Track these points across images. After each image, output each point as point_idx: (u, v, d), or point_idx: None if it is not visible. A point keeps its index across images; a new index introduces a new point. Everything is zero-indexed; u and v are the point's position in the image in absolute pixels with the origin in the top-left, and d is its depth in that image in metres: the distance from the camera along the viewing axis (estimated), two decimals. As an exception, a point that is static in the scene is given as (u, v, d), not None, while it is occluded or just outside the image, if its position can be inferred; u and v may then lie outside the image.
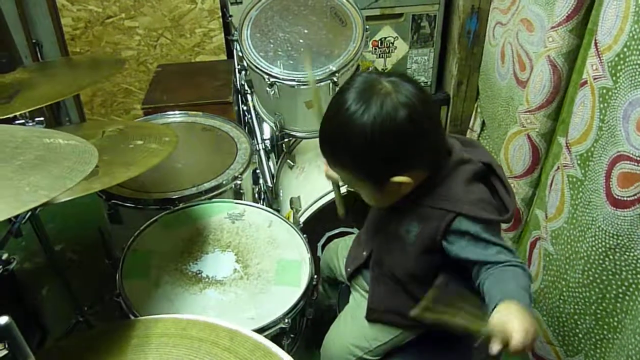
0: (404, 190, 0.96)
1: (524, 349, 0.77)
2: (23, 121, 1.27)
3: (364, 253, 1.16)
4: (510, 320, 0.78)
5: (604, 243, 1.23)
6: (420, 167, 0.95)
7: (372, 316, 1.15)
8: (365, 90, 0.91)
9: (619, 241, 1.19)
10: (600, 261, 1.26)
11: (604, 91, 1.20)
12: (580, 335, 1.39)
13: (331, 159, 0.99)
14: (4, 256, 1.06)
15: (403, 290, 1.08)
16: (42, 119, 1.27)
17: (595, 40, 1.23)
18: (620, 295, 1.23)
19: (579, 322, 1.38)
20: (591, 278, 1.30)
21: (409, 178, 0.93)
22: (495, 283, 0.89)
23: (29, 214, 1.31)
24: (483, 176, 1.00)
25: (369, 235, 1.17)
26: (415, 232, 1.00)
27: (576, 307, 1.38)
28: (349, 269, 1.23)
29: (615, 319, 1.26)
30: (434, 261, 1.01)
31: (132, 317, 1.11)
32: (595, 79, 1.24)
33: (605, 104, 1.20)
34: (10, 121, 1.26)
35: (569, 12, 1.38)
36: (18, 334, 0.47)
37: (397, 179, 0.92)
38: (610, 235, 1.21)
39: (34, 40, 2.51)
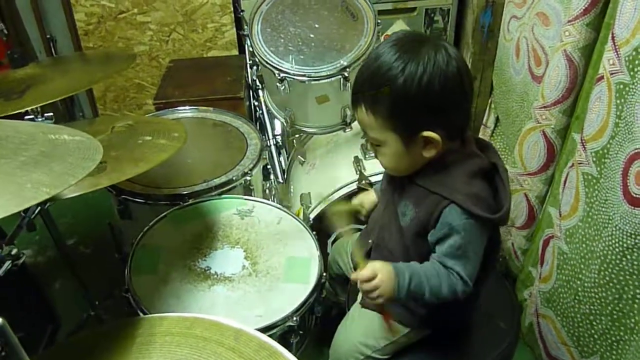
0: (427, 155, 0.96)
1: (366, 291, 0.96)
2: (32, 116, 1.28)
3: (370, 241, 1.16)
4: (373, 264, 0.97)
5: (621, 242, 1.20)
6: (450, 129, 0.95)
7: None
8: (415, 40, 0.94)
9: (636, 241, 1.16)
10: (617, 261, 1.23)
11: (621, 86, 1.17)
12: (595, 337, 1.36)
13: (367, 102, 0.96)
14: (14, 251, 1.06)
15: None
16: (51, 114, 1.27)
17: (613, 34, 1.20)
18: (638, 296, 1.21)
19: (594, 323, 1.35)
20: (607, 278, 1.27)
21: (438, 137, 0.93)
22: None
23: (39, 208, 1.31)
24: (488, 175, 1.00)
25: (372, 223, 1.18)
26: (410, 216, 1.01)
27: (592, 307, 1.35)
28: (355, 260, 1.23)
29: (633, 320, 1.23)
30: (425, 245, 1.01)
31: (140, 313, 1.11)
32: (612, 74, 1.21)
33: (622, 100, 1.17)
34: (21, 116, 1.27)
35: (586, 5, 1.34)
36: (12, 336, 0.46)
37: (428, 133, 0.93)
38: (628, 234, 1.18)
39: (47, 36, 2.52)
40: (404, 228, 1.04)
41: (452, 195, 0.94)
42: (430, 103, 0.92)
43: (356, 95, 0.98)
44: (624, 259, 1.21)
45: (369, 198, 1.29)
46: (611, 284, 1.27)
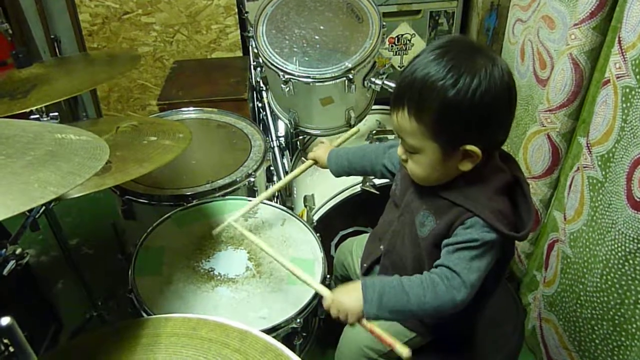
0: (462, 168, 0.94)
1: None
2: (38, 116, 1.28)
3: (381, 247, 1.15)
4: (338, 292, 0.99)
5: (623, 247, 1.20)
6: (490, 144, 0.93)
7: None
8: (468, 48, 0.90)
9: (639, 245, 1.16)
10: (620, 265, 1.23)
11: (627, 90, 1.17)
12: (597, 341, 1.35)
13: (412, 108, 0.90)
14: (18, 250, 1.06)
15: None
16: (56, 113, 1.27)
17: (619, 37, 1.20)
18: (640, 302, 1.20)
19: (596, 328, 1.35)
20: (610, 282, 1.27)
21: (479, 151, 0.90)
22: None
23: (43, 208, 1.31)
24: (510, 189, 0.98)
25: (385, 228, 1.15)
26: (430, 227, 0.99)
27: (593, 312, 1.35)
28: (364, 265, 1.22)
29: (634, 325, 1.23)
30: (439, 254, 0.99)
31: (144, 314, 1.11)
32: (618, 77, 1.20)
33: (629, 104, 1.17)
34: (26, 116, 1.27)
35: (592, 9, 1.34)
36: (20, 335, 0.46)
37: (470, 147, 0.90)
38: (631, 239, 1.17)
39: (52, 36, 2.53)
40: (420, 238, 1.01)
41: (477, 209, 0.92)
42: (479, 117, 0.89)
43: (400, 99, 0.92)
44: (626, 263, 1.21)
45: (322, 156, 1.31)
46: (613, 289, 1.26)
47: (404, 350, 0.90)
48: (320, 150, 1.33)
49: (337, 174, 1.30)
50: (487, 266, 0.95)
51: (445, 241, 0.97)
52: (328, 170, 1.31)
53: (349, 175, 1.31)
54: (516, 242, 1.13)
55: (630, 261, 1.19)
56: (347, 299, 0.96)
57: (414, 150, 0.95)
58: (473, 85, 0.85)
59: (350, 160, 1.26)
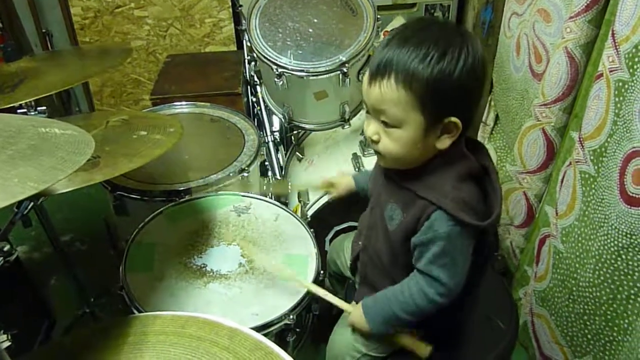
0: (439, 146, 0.93)
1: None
2: (25, 110, 1.26)
3: (359, 242, 1.15)
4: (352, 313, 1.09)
5: (616, 242, 1.19)
6: (467, 119, 0.93)
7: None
8: (450, 24, 0.94)
9: (632, 240, 1.15)
10: (612, 261, 1.22)
11: (620, 84, 1.16)
12: (589, 336, 1.35)
13: (402, 76, 0.88)
14: (6, 247, 1.04)
15: (387, 275, 1.07)
16: (44, 108, 1.25)
17: (613, 30, 1.19)
18: (632, 297, 1.19)
19: (588, 323, 1.34)
20: (602, 278, 1.26)
21: (460, 123, 0.91)
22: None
23: (32, 204, 1.29)
24: (477, 178, 0.97)
25: (363, 223, 1.15)
26: (398, 221, 0.99)
27: (586, 307, 1.34)
28: (350, 263, 1.22)
29: (626, 320, 1.22)
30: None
31: (135, 311, 1.10)
32: (611, 71, 1.19)
33: (621, 98, 1.16)
34: (14, 110, 1.25)
35: (588, 2, 1.33)
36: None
37: (454, 119, 0.90)
38: (624, 234, 1.17)
39: (44, 30, 2.50)
40: (390, 232, 1.01)
41: (440, 201, 0.91)
42: (467, 88, 0.89)
43: (387, 66, 0.89)
44: (619, 258, 1.20)
45: (342, 182, 1.28)
46: (605, 284, 1.25)
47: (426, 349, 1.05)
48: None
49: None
50: (463, 257, 0.95)
51: (414, 240, 0.97)
52: (321, 165, 1.30)
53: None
54: (511, 236, 1.12)
55: (623, 256, 1.19)
56: (359, 322, 1.07)
57: (395, 124, 0.92)
58: (463, 56, 0.87)
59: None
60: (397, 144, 0.93)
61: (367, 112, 0.97)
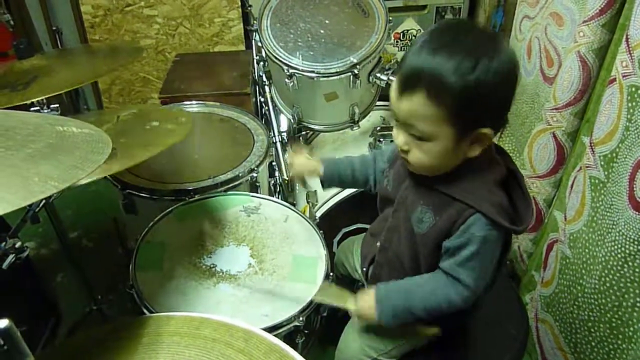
0: (470, 154, 0.91)
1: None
2: (38, 108, 1.26)
3: (377, 244, 1.13)
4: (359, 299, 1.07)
5: (623, 249, 1.18)
6: (498, 127, 0.91)
7: None
8: (479, 30, 0.91)
9: (639, 247, 1.14)
10: (619, 267, 1.21)
11: (633, 89, 1.15)
12: (593, 344, 1.34)
13: (433, 90, 0.84)
14: (17, 244, 1.04)
15: (405, 278, 1.05)
16: (57, 105, 1.25)
17: (627, 35, 1.18)
18: (638, 305, 1.18)
19: (592, 330, 1.33)
20: (608, 285, 1.25)
21: (492, 133, 0.89)
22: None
23: (43, 202, 1.29)
24: (506, 183, 0.96)
25: (381, 224, 1.14)
26: (429, 224, 0.97)
27: (591, 314, 1.33)
28: (364, 269, 1.20)
29: (631, 328, 1.21)
30: (439, 253, 0.98)
31: (144, 310, 1.10)
32: (624, 76, 1.18)
33: (634, 103, 1.15)
34: (27, 108, 1.25)
35: (602, 6, 1.32)
36: (19, 338, 0.44)
37: (485, 129, 0.87)
38: (631, 240, 1.16)
39: (54, 28, 2.51)
40: (418, 235, 1.00)
41: (479, 204, 0.90)
42: (498, 98, 0.87)
43: (416, 81, 0.85)
44: (625, 265, 1.19)
45: (302, 164, 1.21)
46: (611, 291, 1.25)
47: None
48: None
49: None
50: (491, 262, 0.95)
51: (447, 243, 0.95)
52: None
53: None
54: (519, 241, 1.11)
55: (630, 263, 1.18)
56: (365, 305, 1.04)
57: (426, 138, 0.89)
58: (495, 65, 0.83)
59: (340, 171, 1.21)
60: (427, 156, 0.92)
61: (396, 121, 0.94)
